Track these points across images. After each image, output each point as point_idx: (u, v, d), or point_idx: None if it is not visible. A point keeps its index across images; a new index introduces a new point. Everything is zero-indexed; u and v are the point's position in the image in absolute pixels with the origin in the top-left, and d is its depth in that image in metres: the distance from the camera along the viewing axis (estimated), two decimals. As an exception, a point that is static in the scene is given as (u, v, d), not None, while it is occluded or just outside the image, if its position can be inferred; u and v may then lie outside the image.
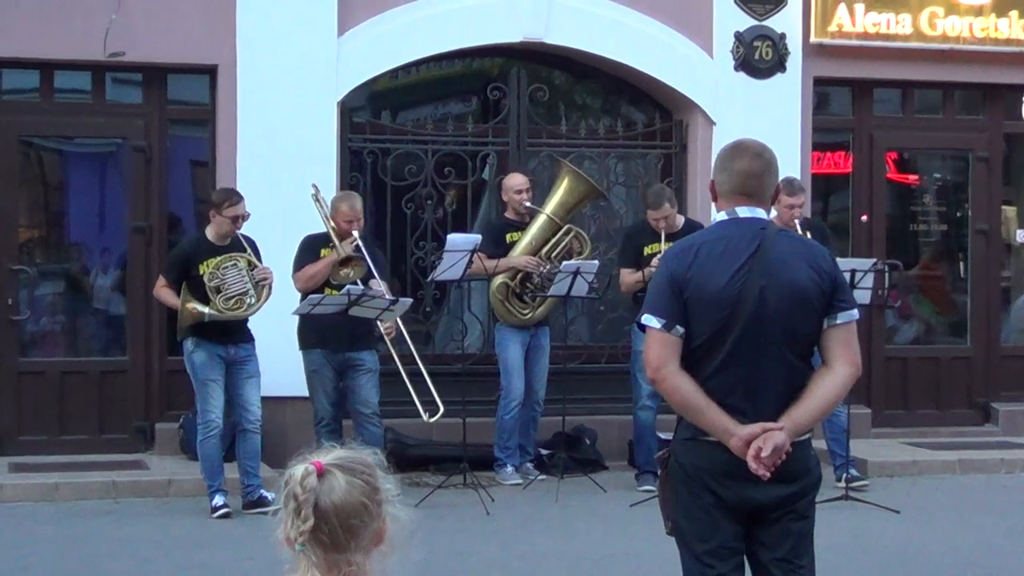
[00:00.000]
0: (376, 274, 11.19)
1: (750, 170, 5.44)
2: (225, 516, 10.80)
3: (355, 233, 11.12)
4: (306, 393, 11.62)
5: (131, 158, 13.00)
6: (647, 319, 5.33)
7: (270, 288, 10.86)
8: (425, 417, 11.01)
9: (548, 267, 12.12)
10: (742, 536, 5.40)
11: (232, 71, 12.70)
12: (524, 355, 12.25)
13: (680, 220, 12.08)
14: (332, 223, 11.23)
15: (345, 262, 11.00)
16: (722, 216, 5.49)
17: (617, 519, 10.81)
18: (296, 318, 11.23)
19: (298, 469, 3.23)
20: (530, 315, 12.22)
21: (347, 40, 12.90)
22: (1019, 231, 15.29)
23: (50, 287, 13.43)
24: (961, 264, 15.25)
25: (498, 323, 12.42)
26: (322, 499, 3.19)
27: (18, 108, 13.02)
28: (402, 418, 11.97)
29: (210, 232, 10.97)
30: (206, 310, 10.69)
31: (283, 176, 12.34)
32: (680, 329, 5.27)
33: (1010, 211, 15.36)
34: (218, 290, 10.75)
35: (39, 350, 13.25)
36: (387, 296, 11.05)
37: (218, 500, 10.88)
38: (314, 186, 11.54)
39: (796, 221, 11.45)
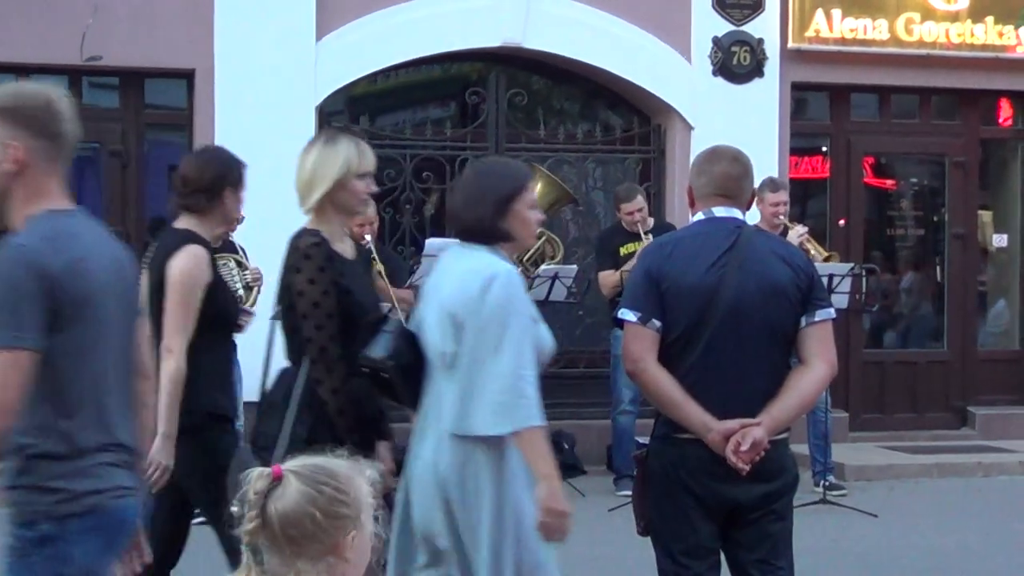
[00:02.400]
0: (386, 278, 11.28)
1: (728, 173, 5.49)
2: (201, 523, 10.72)
3: (368, 237, 11.15)
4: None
5: (108, 163, 12.97)
6: (623, 313, 5.37)
7: (259, 289, 10.85)
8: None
9: (520, 271, 12.09)
10: (718, 535, 5.41)
11: (210, 75, 12.67)
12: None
13: (650, 221, 12.12)
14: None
15: None
16: (699, 216, 5.53)
17: (596, 524, 10.80)
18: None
19: (255, 471, 3.20)
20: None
21: (325, 45, 12.88)
22: (995, 236, 15.34)
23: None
24: (938, 268, 15.29)
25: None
26: (269, 505, 3.14)
27: (-5, 111, 12.96)
28: (395, 423, 11.92)
29: None
30: None
31: (261, 181, 12.21)
32: (657, 323, 5.29)
33: (986, 216, 15.41)
34: None
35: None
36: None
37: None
38: None
39: (782, 217, 11.56)
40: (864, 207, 14.85)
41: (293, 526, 3.13)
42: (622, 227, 12.08)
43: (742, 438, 5.19)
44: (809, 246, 11.72)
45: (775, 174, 13.29)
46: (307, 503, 3.13)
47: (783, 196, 11.73)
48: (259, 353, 11.17)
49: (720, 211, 5.45)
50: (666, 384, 5.30)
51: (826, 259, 11.90)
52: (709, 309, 5.25)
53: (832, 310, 5.43)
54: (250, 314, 10.13)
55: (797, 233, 11.58)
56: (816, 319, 5.33)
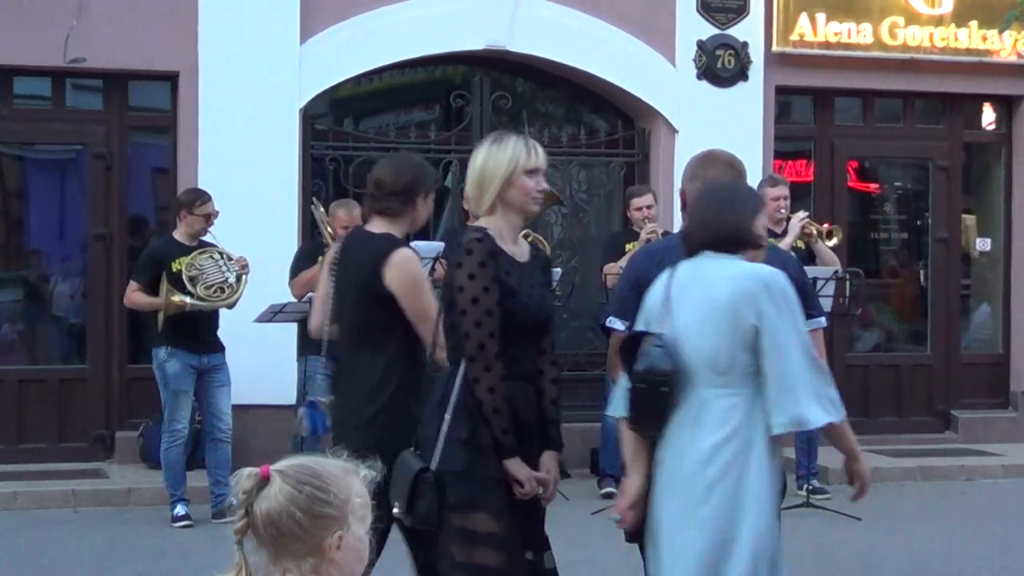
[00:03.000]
0: None
1: (722, 178, 5.47)
2: (187, 526, 10.76)
3: None
4: (273, 401, 11.63)
5: (91, 165, 12.93)
6: (611, 321, 5.38)
7: (246, 279, 10.83)
8: None
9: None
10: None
11: (194, 78, 12.65)
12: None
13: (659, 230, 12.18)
14: (328, 228, 11.28)
15: None
16: None
17: (579, 527, 10.79)
18: (277, 327, 11.24)
19: (245, 470, 3.23)
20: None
21: (310, 47, 12.87)
22: (978, 240, 15.36)
23: (9, 294, 13.35)
24: (921, 272, 15.31)
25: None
26: (255, 504, 3.18)
27: (-22, 114, 12.96)
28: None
29: (179, 233, 10.95)
30: (188, 299, 10.63)
31: (245, 183, 12.29)
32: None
33: (970, 220, 15.43)
34: (195, 280, 10.71)
35: (-3, 358, 13.19)
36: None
37: (180, 510, 10.83)
38: (313, 197, 11.77)
39: (783, 211, 11.64)
40: (848, 211, 14.86)
41: (274, 525, 3.15)
42: (631, 228, 12.13)
43: None
44: (811, 228, 11.79)
45: (759, 177, 13.31)
46: (288, 502, 3.15)
47: (783, 191, 11.86)
48: (246, 352, 11.26)
49: None
50: None
51: (828, 234, 11.97)
52: None
53: (823, 319, 5.44)
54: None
55: (798, 218, 11.70)
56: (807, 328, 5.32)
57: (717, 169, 5.50)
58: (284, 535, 3.16)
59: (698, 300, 5.13)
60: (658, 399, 5.11)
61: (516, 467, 5.21)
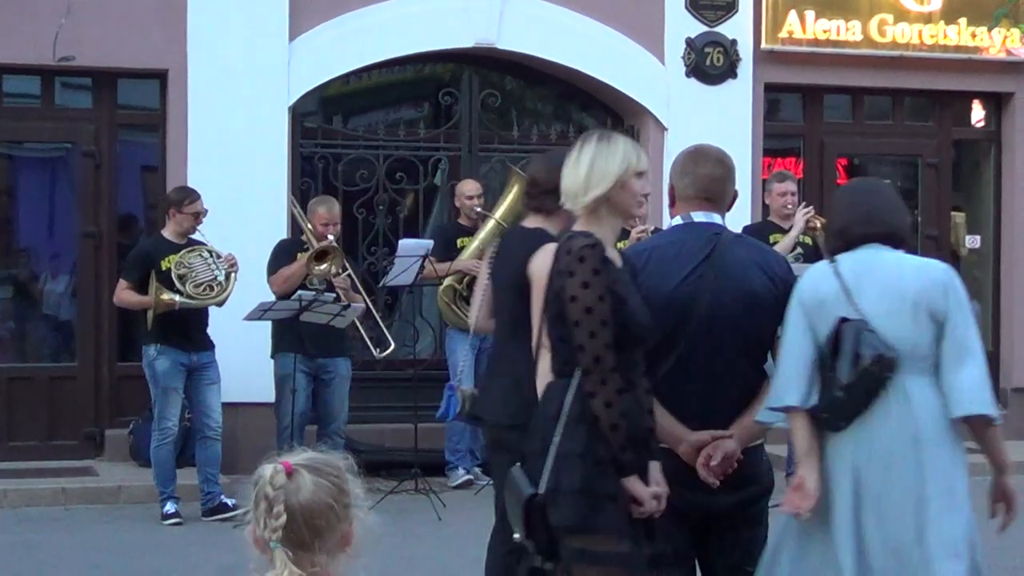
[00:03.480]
0: (354, 278, 11.38)
1: (712, 175, 5.44)
2: (177, 523, 10.76)
3: (331, 237, 11.19)
4: (262, 399, 11.63)
5: (81, 163, 12.92)
6: None
7: (235, 276, 10.85)
8: (376, 353, 11.30)
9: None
10: (692, 543, 5.38)
11: (183, 76, 12.63)
12: (474, 358, 12.23)
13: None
14: (308, 225, 11.30)
15: (322, 256, 11.05)
16: (677, 220, 5.50)
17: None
18: (265, 324, 11.26)
19: (267, 469, 3.28)
20: (477, 318, 12.16)
21: (298, 45, 12.86)
22: (968, 237, 15.37)
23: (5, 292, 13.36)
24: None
25: (448, 327, 12.41)
26: (290, 498, 3.23)
27: (-34, 113, 12.94)
28: (354, 424, 11.96)
29: (168, 231, 10.97)
30: (178, 298, 10.64)
31: (234, 181, 12.29)
32: None
33: (959, 217, 15.45)
34: (185, 278, 10.72)
35: (-14, 356, 13.18)
36: (343, 301, 11.12)
37: (170, 507, 10.84)
38: (290, 195, 11.87)
39: (790, 206, 11.76)
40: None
41: (318, 516, 3.23)
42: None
43: (713, 451, 5.17)
44: (815, 221, 11.84)
45: (748, 175, 13.34)
46: (324, 494, 3.25)
47: (790, 186, 12.05)
48: (235, 350, 11.27)
49: (699, 216, 5.40)
50: None
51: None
52: (684, 320, 5.21)
53: None
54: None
55: (802, 212, 11.83)
56: None
57: (707, 165, 5.48)
58: (323, 527, 3.25)
59: (884, 290, 5.14)
60: (877, 385, 5.08)
61: (635, 485, 4.97)
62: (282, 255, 11.44)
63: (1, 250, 13.58)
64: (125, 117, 13.24)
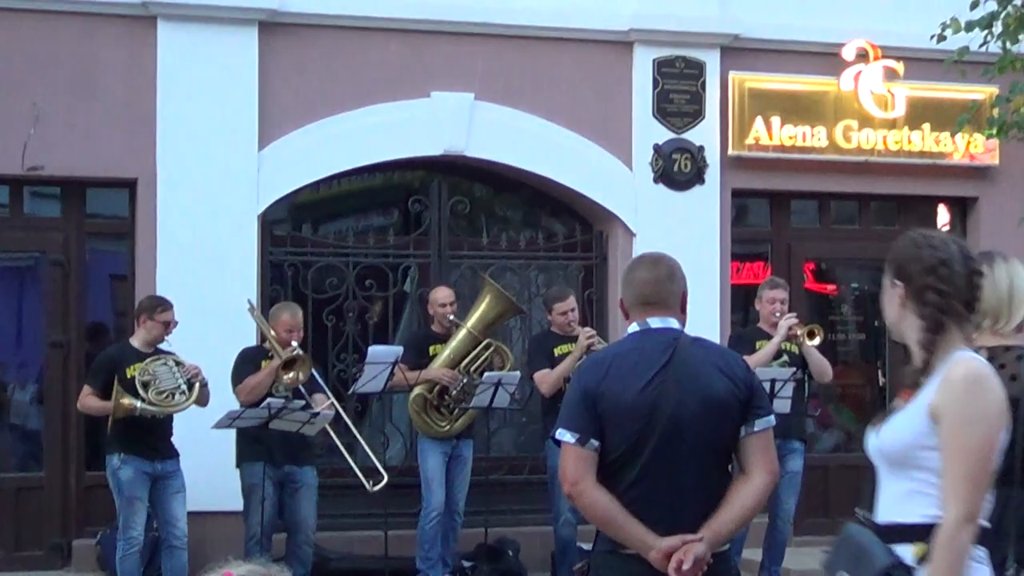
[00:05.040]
0: (322, 384, 11.32)
1: (647, 279, 5.47)
2: (144, 633, 10.66)
3: (294, 343, 11.19)
4: (229, 507, 11.55)
5: (49, 272, 12.90)
6: (561, 434, 5.31)
7: (203, 385, 10.81)
8: (368, 486, 11.17)
9: (465, 380, 12.09)
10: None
11: (152, 184, 12.65)
12: (446, 466, 12.19)
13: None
14: (272, 332, 11.28)
15: (289, 365, 11.03)
16: (634, 328, 5.50)
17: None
18: (231, 432, 11.21)
19: None
20: (448, 427, 12.14)
21: (268, 153, 12.91)
22: (937, 340, 15.38)
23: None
24: (879, 372, 15.35)
25: (420, 434, 12.37)
26: None
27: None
28: (323, 531, 11.87)
29: (136, 339, 10.96)
30: (138, 403, 10.60)
31: (203, 289, 12.28)
32: (595, 443, 5.25)
33: (927, 320, 15.46)
34: (148, 385, 10.69)
35: (-46, 466, 13.07)
36: (313, 408, 11.09)
37: (137, 617, 10.74)
38: (249, 301, 11.72)
39: (778, 314, 11.81)
40: (806, 312, 14.87)
41: None
42: (552, 331, 12.18)
43: (684, 555, 5.15)
44: (796, 330, 11.91)
45: (716, 279, 13.42)
46: None
47: (781, 294, 12.10)
48: (201, 458, 11.19)
49: (655, 322, 5.41)
50: (605, 505, 5.25)
51: (809, 334, 12.05)
52: (647, 428, 5.20)
53: (772, 418, 5.37)
54: None
55: (786, 319, 11.94)
56: (755, 429, 5.28)
57: (642, 269, 5.52)
58: None
59: None
60: None
61: None
62: (246, 364, 11.41)
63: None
64: (94, 226, 13.25)
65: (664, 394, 5.21)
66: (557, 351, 11.97)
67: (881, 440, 4.65)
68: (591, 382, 5.32)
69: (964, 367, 4.50)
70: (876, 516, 4.64)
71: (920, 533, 4.44)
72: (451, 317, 12.24)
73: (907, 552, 4.46)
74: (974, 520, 4.39)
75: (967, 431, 4.40)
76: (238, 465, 11.43)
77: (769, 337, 12.02)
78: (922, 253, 4.67)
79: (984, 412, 4.43)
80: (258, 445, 11.11)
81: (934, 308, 4.60)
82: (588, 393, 5.30)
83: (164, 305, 10.99)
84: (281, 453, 11.17)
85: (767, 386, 10.72)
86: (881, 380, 15.29)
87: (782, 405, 11.13)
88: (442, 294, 12.43)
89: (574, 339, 11.93)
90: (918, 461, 4.49)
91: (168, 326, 10.92)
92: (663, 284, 5.46)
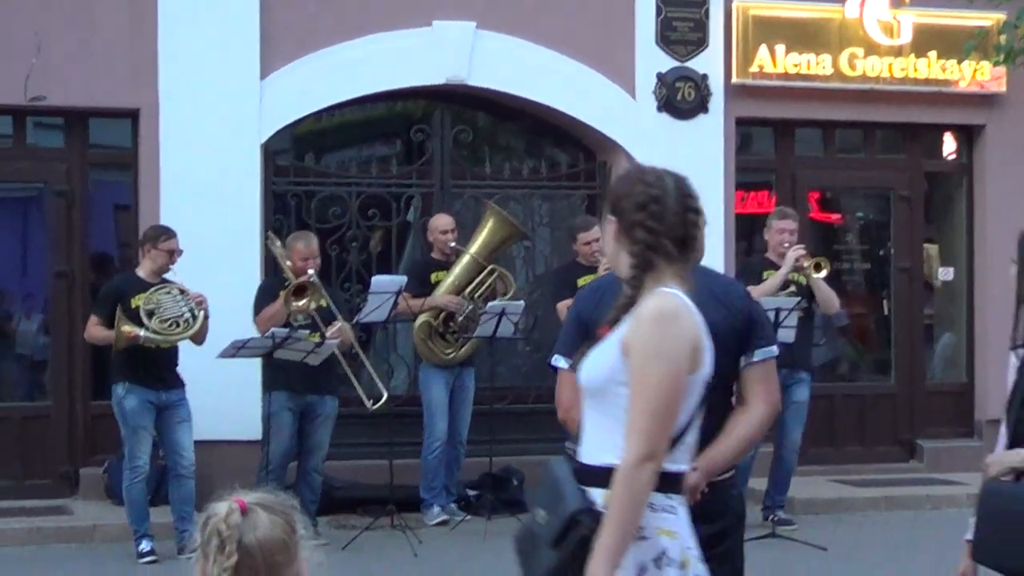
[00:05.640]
0: (337, 312, 11.31)
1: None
2: (152, 561, 10.71)
3: (311, 271, 11.20)
4: (237, 436, 11.62)
5: (53, 203, 12.89)
6: (555, 360, 5.32)
7: (206, 313, 10.82)
8: (368, 405, 11.21)
9: (471, 307, 12.11)
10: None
11: (154, 115, 12.63)
12: (448, 395, 12.23)
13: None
14: (288, 262, 11.30)
15: (300, 291, 11.03)
16: None
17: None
18: (240, 362, 11.24)
19: (221, 506, 3.28)
20: (453, 355, 12.19)
21: (270, 83, 12.87)
22: (941, 269, 15.41)
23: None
24: (884, 302, 15.36)
25: (422, 363, 12.40)
26: (246, 536, 3.22)
27: (-61, 153, 12.92)
28: (329, 460, 11.90)
29: (142, 269, 10.98)
30: (142, 332, 10.62)
31: (206, 220, 12.27)
32: None
33: (932, 249, 15.49)
34: (152, 314, 10.70)
35: (-39, 396, 13.13)
36: (318, 338, 11.10)
37: (144, 545, 10.80)
38: (268, 233, 11.82)
39: (787, 244, 11.80)
40: (811, 242, 14.87)
41: (276, 553, 3.23)
42: (578, 262, 12.13)
43: None
44: (805, 262, 11.93)
45: (720, 210, 13.37)
46: (280, 531, 3.25)
47: (790, 224, 12.12)
48: (209, 388, 11.23)
49: None
50: None
51: (816, 266, 12.05)
52: None
53: (774, 348, 5.31)
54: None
55: (793, 251, 11.96)
56: (755, 359, 5.22)
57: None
58: (278, 563, 3.24)
59: None
60: None
61: None
62: (265, 296, 11.45)
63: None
64: (97, 156, 13.23)
65: None
66: (581, 282, 11.93)
67: (581, 374, 4.45)
68: (585, 309, 5.32)
69: (655, 302, 4.34)
70: (580, 454, 4.44)
71: (609, 477, 4.21)
72: (452, 244, 12.24)
73: (599, 496, 4.25)
74: (655, 459, 4.18)
75: (649, 366, 4.22)
76: (264, 392, 11.48)
77: (776, 267, 12.01)
78: (634, 189, 4.49)
79: (668, 348, 4.24)
80: (281, 374, 11.17)
81: (643, 245, 4.42)
82: (581, 319, 5.29)
83: (168, 234, 10.99)
84: (303, 383, 11.22)
85: (771, 316, 10.72)
86: (886, 309, 15.28)
87: (786, 335, 11.13)
88: (442, 221, 12.43)
89: (596, 270, 11.88)
90: (614, 397, 4.30)
91: (172, 255, 10.93)
92: None
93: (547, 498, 4.37)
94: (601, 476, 4.24)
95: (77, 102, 12.65)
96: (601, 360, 4.37)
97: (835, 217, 15.72)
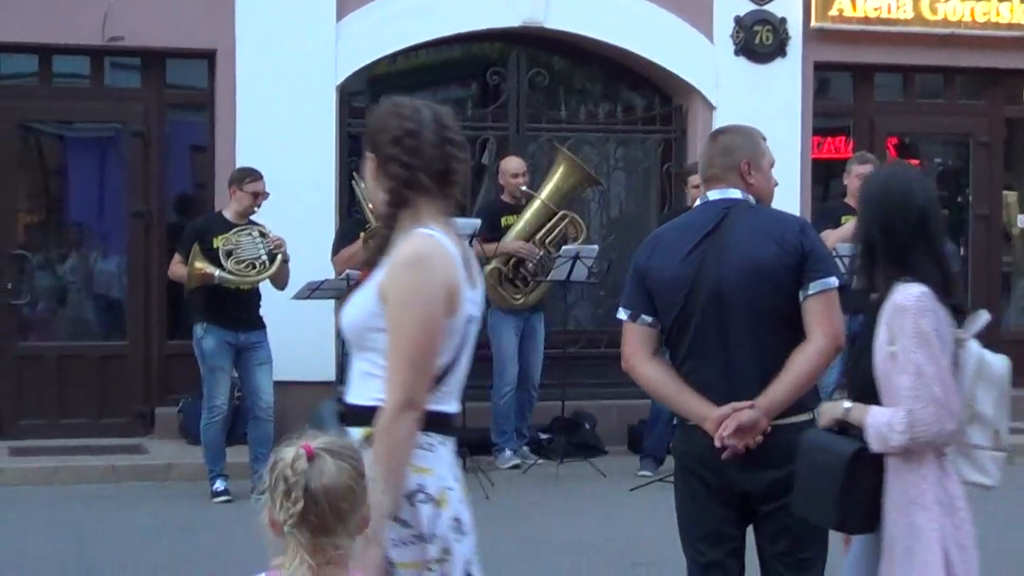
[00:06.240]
0: None
1: (704, 154, 5.52)
2: (226, 501, 10.80)
3: None
4: (314, 378, 11.73)
5: (130, 143, 12.98)
6: (619, 312, 5.39)
7: (285, 257, 10.85)
8: None
9: (542, 253, 12.10)
10: (735, 521, 5.30)
11: (231, 56, 12.66)
12: (519, 340, 12.24)
13: None
14: (369, 204, 11.33)
15: None
16: (698, 202, 5.52)
17: (616, 504, 10.81)
18: (316, 303, 11.30)
19: (288, 452, 3.29)
20: (522, 300, 12.19)
21: (346, 24, 12.86)
22: (1020, 216, 15.26)
23: (50, 272, 13.43)
24: (961, 249, 15.22)
25: (491, 308, 12.40)
26: (312, 482, 3.24)
27: (17, 93, 13.01)
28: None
29: (228, 211, 11.03)
30: (216, 272, 10.67)
31: (282, 161, 12.29)
32: (647, 318, 5.28)
33: (1011, 196, 15.33)
34: (230, 254, 10.76)
35: (38, 334, 13.25)
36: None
37: (219, 485, 10.89)
38: (354, 174, 11.75)
39: None
40: (887, 187, 14.79)
41: (342, 499, 3.25)
42: (687, 207, 12.10)
43: (730, 422, 5.10)
44: None
45: (797, 155, 13.29)
46: (346, 477, 3.26)
47: (869, 169, 11.91)
48: (284, 329, 11.26)
49: (714, 194, 5.39)
50: (657, 378, 5.29)
51: None
52: (690, 298, 5.17)
53: (833, 279, 5.22)
54: None
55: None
56: (810, 292, 5.15)
57: (706, 147, 5.54)
58: (346, 510, 3.26)
59: None
60: None
61: None
62: (345, 236, 11.49)
63: (53, 230, 13.66)
64: (174, 97, 13.30)
65: (704, 264, 5.19)
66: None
67: (342, 319, 4.36)
68: (641, 259, 5.38)
69: (411, 245, 4.20)
70: (346, 394, 4.35)
71: (370, 416, 4.13)
72: (523, 188, 12.22)
73: (358, 434, 4.15)
74: (415, 407, 4.08)
75: (405, 314, 4.11)
76: (338, 336, 11.54)
77: (854, 212, 11.88)
78: (389, 123, 4.34)
79: (422, 295, 4.12)
80: None
81: (398, 181, 4.30)
82: (638, 270, 5.36)
83: (253, 176, 11.01)
84: None
85: (846, 261, 10.63)
86: (963, 256, 15.14)
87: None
88: (513, 164, 12.40)
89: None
90: (370, 342, 4.20)
91: (257, 197, 10.95)
92: (715, 159, 5.43)
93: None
94: (362, 416, 4.16)
95: (154, 42, 12.69)
96: (359, 306, 4.25)
97: (913, 163, 15.56)
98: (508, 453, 12.18)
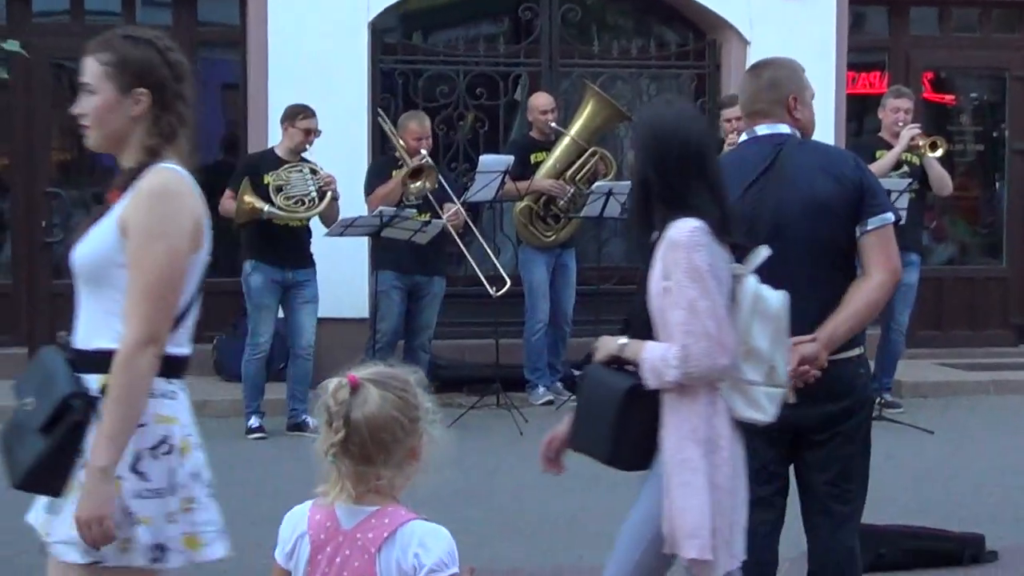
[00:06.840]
0: (453, 195, 11.34)
1: (748, 89, 5.45)
2: (260, 438, 10.86)
3: (423, 151, 11.22)
4: (352, 315, 11.73)
5: (161, 79, 12.94)
6: None
7: (334, 194, 10.87)
8: (492, 291, 11.26)
9: (572, 190, 12.07)
10: (783, 460, 5.31)
11: (262, -8, 12.64)
12: (550, 277, 12.24)
13: None
14: (400, 141, 11.31)
15: (416, 174, 11.10)
16: (743, 137, 5.47)
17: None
18: (353, 240, 11.32)
19: (331, 383, 3.31)
20: (553, 237, 12.18)
21: (378, -40, 12.82)
22: (1057, 150, 15.15)
23: (83, 209, 13.44)
24: (997, 184, 15.14)
25: (522, 245, 12.39)
26: (354, 412, 3.25)
27: (49, 30, 13.01)
28: (435, 339, 11.97)
29: (280, 147, 11.04)
30: (265, 206, 10.70)
31: (314, 98, 12.22)
32: None
33: (1048, 130, 15.22)
34: (280, 190, 10.78)
35: (73, 272, 13.28)
36: (423, 217, 11.13)
37: (254, 421, 10.94)
38: (380, 112, 11.83)
39: (901, 123, 11.62)
40: (923, 122, 14.63)
41: (383, 430, 3.27)
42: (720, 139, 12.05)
43: (792, 356, 5.09)
44: (918, 140, 11.76)
45: (832, 90, 13.20)
46: (390, 407, 3.28)
47: (905, 103, 11.95)
48: (324, 269, 11.28)
49: (762, 129, 5.35)
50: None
51: (932, 146, 11.87)
52: (749, 234, 5.15)
53: (890, 215, 5.23)
54: None
55: (908, 130, 11.75)
56: (869, 227, 5.17)
57: (747, 80, 5.49)
58: (388, 441, 3.28)
59: None
60: None
61: None
62: (378, 174, 11.49)
63: (86, 168, 13.66)
64: (205, 34, 13.29)
65: (763, 199, 5.16)
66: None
67: (76, 255, 4.11)
68: None
69: (155, 178, 4.07)
70: (74, 339, 4.13)
71: (108, 362, 3.95)
72: (552, 124, 12.18)
73: (95, 381, 3.99)
74: (156, 343, 3.95)
75: (148, 246, 3.95)
76: (372, 272, 11.57)
77: (889, 147, 11.84)
78: (167, 57, 4.40)
79: (167, 227, 3.98)
80: (388, 254, 11.24)
81: (177, 118, 4.29)
82: None
83: (305, 113, 11.01)
84: (412, 262, 11.27)
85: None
86: (998, 191, 15.06)
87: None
88: (542, 100, 12.35)
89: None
90: (110, 279, 4.02)
91: (309, 134, 10.97)
92: (762, 93, 5.38)
93: (36, 385, 4.08)
94: (97, 361, 3.98)
95: (186, -21, 12.68)
96: (97, 241, 4.05)
97: (949, 98, 15.46)
98: (541, 389, 12.19)
